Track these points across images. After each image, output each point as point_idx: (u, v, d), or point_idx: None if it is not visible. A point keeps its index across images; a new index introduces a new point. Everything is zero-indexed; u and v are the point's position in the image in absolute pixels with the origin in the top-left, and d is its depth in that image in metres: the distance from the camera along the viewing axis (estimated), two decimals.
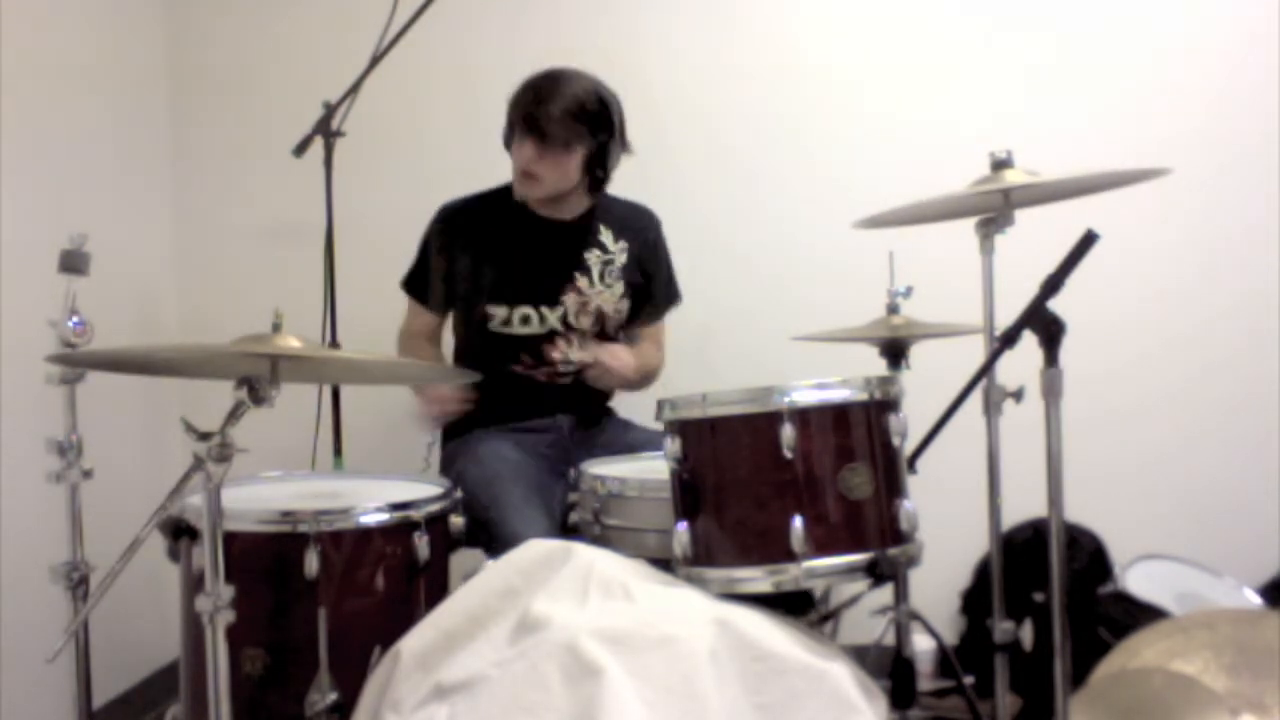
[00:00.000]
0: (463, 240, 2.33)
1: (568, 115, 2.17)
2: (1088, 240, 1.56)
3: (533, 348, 2.30)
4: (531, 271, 2.31)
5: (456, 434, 2.34)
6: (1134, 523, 2.69)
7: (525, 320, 2.30)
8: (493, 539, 1.98)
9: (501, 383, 2.29)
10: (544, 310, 2.30)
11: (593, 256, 2.34)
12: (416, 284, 2.41)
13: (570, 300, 2.31)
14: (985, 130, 2.43)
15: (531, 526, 1.98)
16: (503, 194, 2.35)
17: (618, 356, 2.32)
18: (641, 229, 2.42)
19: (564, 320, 2.31)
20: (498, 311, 2.29)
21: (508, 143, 2.30)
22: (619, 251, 2.37)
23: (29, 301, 2.02)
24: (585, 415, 2.37)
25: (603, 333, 2.36)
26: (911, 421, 1.66)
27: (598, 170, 2.27)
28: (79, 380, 1.87)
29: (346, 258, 2.58)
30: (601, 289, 2.33)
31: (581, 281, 2.32)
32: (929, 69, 2.80)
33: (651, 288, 2.43)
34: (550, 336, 2.30)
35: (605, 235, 2.37)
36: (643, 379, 2.42)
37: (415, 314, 2.44)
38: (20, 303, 2.16)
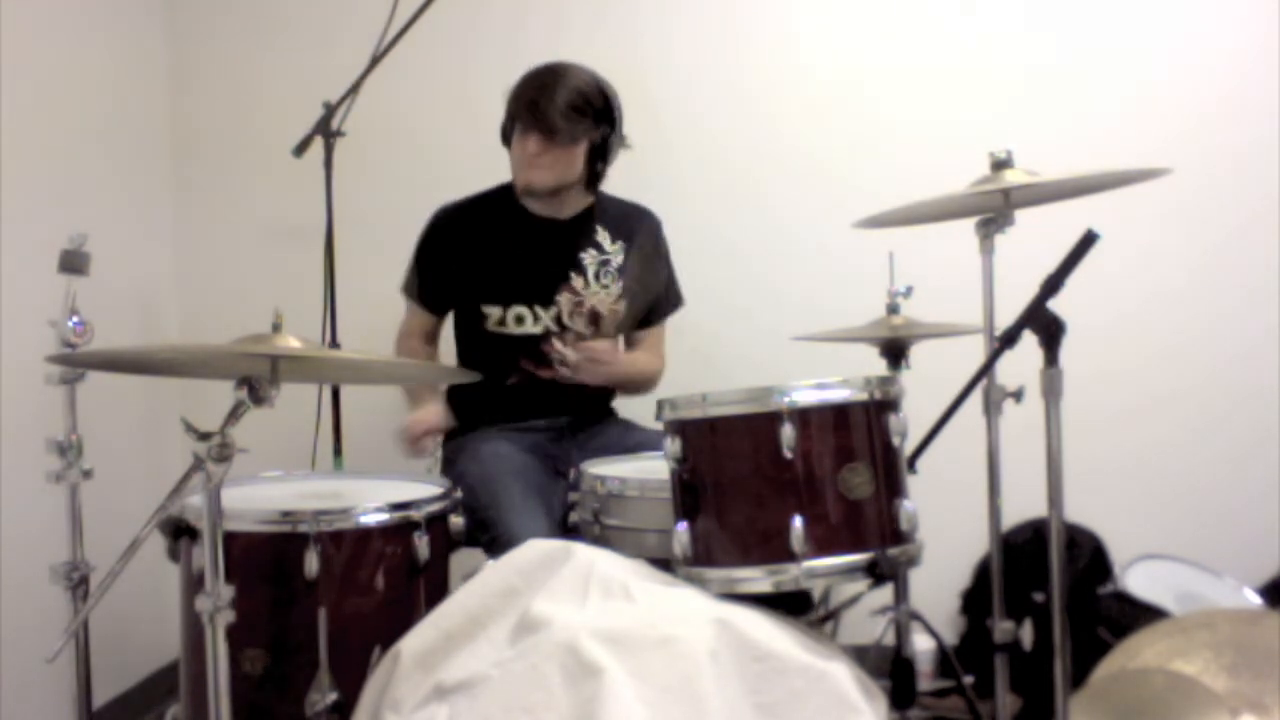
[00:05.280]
0: (457, 241, 2.33)
1: (571, 107, 2.17)
2: (1088, 240, 1.56)
3: (530, 348, 2.30)
4: (525, 271, 2.30)
5: (458, 434, 2.34)
6: (1134, 523, 2.69)
7: (520, 320, 2.29)
8: (493, 538, 1.98)
9: (503, 383, 2.29)
10: (538, 309, 2.29)
11: (589, 256, 2.34)
12: (412, 287, 2.41)
13: (564, 300, 2.30)
14: (985, 130, 2.43)
15: (531, 526, 1.97)
16: (499, 194, 2.35)
17: (602, 350, 2.28)
18: (640, 230, 2.40)
19: (558, 320, 2.30)
20: (492, 311, 2.29)
21: (507, 137, 2.28)
22: (616, 252, 2.36)
23: (29, 301, 2.02)
24: (586, 416, 2.36)
25: (598, 334, 2.34)
26: (911, 421, 1.66)
27: (598, 164, 2.27)
28: (79, 380, 1.87)
29: (346, 258, 2.58)
30: (597, 289, 2.33)
31: (576, 281, 2.31)
32: (929, 69, 2.79)
33: (652, 290, 2.40)
34: (546, 337, 2.29)
35: (602, 235, 2.36)
36: (639, 384, 2.41)
37: (413, 315, 2.44)
38: (20, 303, 2.16)
